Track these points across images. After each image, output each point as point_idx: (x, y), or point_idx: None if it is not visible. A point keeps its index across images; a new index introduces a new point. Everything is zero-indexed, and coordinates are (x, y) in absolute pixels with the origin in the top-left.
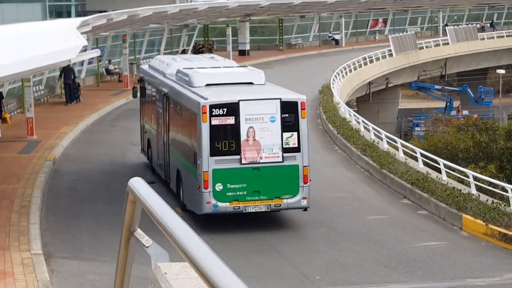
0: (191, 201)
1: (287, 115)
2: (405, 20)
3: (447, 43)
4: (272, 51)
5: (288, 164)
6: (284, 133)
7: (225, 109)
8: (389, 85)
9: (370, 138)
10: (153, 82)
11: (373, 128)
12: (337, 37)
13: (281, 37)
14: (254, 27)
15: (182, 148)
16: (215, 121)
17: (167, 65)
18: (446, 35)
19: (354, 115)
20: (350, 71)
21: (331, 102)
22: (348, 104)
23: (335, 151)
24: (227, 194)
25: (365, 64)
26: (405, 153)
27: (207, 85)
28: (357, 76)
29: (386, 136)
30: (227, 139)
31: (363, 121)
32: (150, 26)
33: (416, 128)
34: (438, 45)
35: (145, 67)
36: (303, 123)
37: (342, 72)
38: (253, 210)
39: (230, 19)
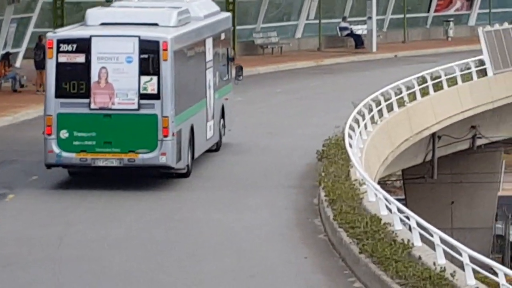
0: None
1: (146, 55)
2: None
3: None
4: None
5: (144, 113)
6: (142, 77)
7: (74, 45)
8: (479, 141)
9: (436, 264)
10: None
11: (442, 240)
12: (359, 30)
13: (232, 29)
14: None
15: None
16: (63, 58)
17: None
18: None
19: (399, 210)
20: (390, 109)
21: (346, 179)
22: (383, 183)
23: None
24: (74, 143)
25: (424, 93)
26: None
27: (102, 24)
28: (406, 121)
29: (472, 260)
30: (76, 80)
31: (418, 224)
32: None
33: None
34: None
35: None
36: (165, 66)
37: (370, 111)
38: (103, 164)
39: None
